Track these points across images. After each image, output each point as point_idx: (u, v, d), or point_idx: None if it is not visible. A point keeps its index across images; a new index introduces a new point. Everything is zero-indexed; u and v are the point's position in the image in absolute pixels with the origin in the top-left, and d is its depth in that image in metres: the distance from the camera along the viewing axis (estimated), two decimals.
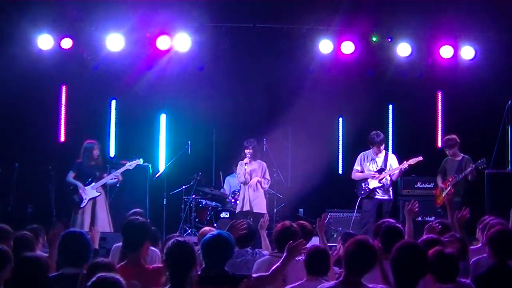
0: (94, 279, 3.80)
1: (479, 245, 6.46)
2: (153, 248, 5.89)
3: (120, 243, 5.76)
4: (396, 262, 4.37)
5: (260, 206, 10.87)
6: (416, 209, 6.44)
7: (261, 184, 10.87)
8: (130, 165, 10.60)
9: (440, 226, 6.14)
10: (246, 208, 10.78)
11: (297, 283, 5.15)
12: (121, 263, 4.99)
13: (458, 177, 10.00)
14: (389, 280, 4.74)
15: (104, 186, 10.56)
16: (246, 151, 10.79)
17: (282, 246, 5.87)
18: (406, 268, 4.33)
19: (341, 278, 4.53)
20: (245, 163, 10.79)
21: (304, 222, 6.65)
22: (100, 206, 10.42)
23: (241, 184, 10.98)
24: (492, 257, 5.32)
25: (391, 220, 6.37)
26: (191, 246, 4.51)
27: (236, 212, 11.10)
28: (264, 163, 11.04)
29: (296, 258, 5.38)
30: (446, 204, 7.66)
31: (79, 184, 10.34)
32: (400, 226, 5.92)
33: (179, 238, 4.65)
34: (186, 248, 4.46)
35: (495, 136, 10.69)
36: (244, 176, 10.80)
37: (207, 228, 6.63)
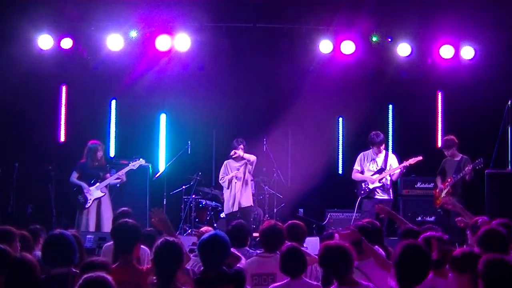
0: (81, 280, 3.80)
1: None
2: (143, 247, 5.85)
3: (111, 242, 5.77)
4: (400, 263, 4.33)
5: (247, 200, 10.50)
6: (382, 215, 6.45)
7: (250, 172, 10.55)
8: (133, 165, 10.62)
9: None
10: (235, 208, 10.41)
11: (282, 282, 5.16)
12: (114, 265, 5.00)
13: (457, 177, 10.00)
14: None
15: (106, 186, 10.56)
16: (241, 146, 10.48)
17: (268, 246, 5.88)
18: (410, 269, 4.30)
19: (336, 282, 4.59)
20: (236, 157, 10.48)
21: (299, 222, 6.51)
22: (105, 206, 10.44)
23: (231, 182, 10.51)
24: None
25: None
26: (180, 245, 4.56)
27: (226, 214, 10.67)
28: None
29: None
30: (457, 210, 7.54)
31: (84, 184, 10.35)
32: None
33: (167, 237, 4.67)
34: (174, 247, 4.50)
35: (495, 136, 10.69)
36: (238, 170, 10.47)
37: (204, 228, 6.58)
